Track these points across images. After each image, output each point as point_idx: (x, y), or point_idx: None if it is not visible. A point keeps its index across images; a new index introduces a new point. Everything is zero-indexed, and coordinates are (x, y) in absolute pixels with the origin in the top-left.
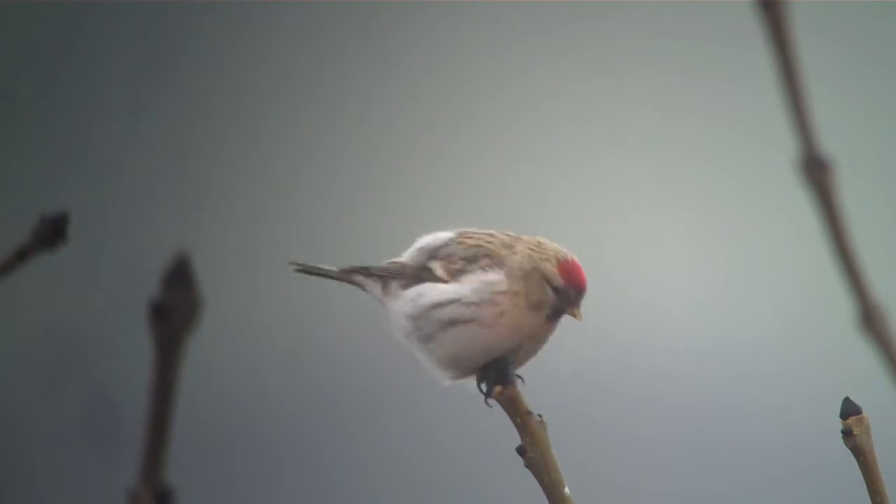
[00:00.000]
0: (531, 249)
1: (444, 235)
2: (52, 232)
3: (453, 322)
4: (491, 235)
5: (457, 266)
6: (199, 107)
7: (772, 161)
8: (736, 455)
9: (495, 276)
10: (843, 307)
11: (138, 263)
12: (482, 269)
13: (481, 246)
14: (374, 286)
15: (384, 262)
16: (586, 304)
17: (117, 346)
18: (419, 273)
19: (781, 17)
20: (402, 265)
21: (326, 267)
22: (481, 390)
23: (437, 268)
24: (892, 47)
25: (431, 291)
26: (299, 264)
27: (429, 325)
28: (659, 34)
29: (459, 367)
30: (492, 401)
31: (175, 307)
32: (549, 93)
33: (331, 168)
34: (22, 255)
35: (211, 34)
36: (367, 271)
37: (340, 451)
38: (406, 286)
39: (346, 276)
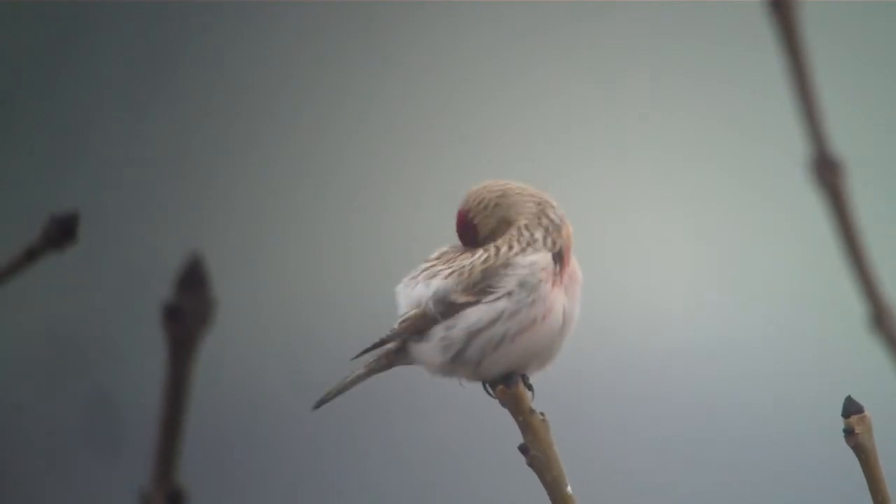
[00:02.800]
0: (530, 197)
1: (423, 272)
2: (62, 232)
3: (506, 339)
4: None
5: (476, 278)
6: (199, 107)
7: (772, 161)
8: (736, 454)
9: (534, 257)
10: (843, 307)
11: (138, 263)
12: (521, 254)
13: (490, 248)
14: (405, 355)
15: (393, 329)
16: (586, 304)
17: (117, 346)
18: (443, 311)
19: (792, 16)
20: (417, 315)
21: (347, 379)
22: (487, 391)
23: (458, 296)
24: None
25: (463, 321)
26: (322, 401)
27: (475, 352)
28: (659, 34)
29: (521, 371)
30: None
31: (188, 309)
32: (549, 93)
33: (331, 168)
34: (32, 255)
35: (211, 34)
36: (384, 347)
37: (340, 451)
38: (427, 331)
39: (377, 366)
